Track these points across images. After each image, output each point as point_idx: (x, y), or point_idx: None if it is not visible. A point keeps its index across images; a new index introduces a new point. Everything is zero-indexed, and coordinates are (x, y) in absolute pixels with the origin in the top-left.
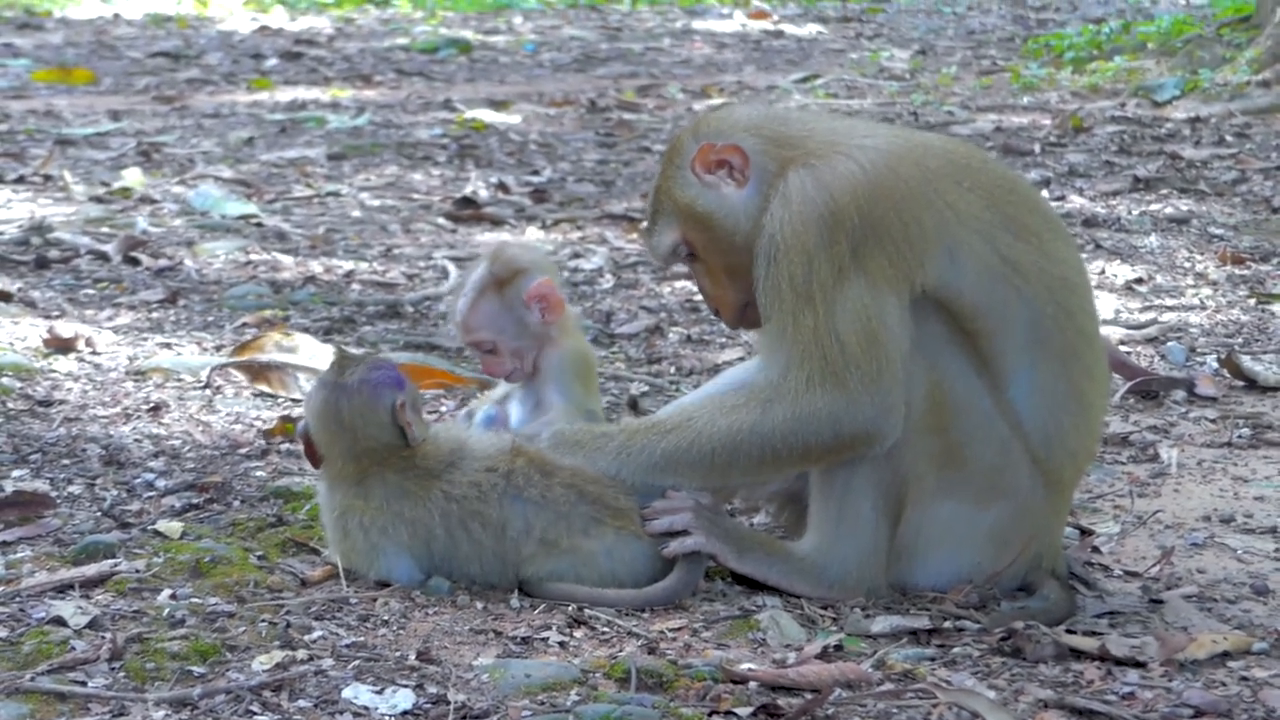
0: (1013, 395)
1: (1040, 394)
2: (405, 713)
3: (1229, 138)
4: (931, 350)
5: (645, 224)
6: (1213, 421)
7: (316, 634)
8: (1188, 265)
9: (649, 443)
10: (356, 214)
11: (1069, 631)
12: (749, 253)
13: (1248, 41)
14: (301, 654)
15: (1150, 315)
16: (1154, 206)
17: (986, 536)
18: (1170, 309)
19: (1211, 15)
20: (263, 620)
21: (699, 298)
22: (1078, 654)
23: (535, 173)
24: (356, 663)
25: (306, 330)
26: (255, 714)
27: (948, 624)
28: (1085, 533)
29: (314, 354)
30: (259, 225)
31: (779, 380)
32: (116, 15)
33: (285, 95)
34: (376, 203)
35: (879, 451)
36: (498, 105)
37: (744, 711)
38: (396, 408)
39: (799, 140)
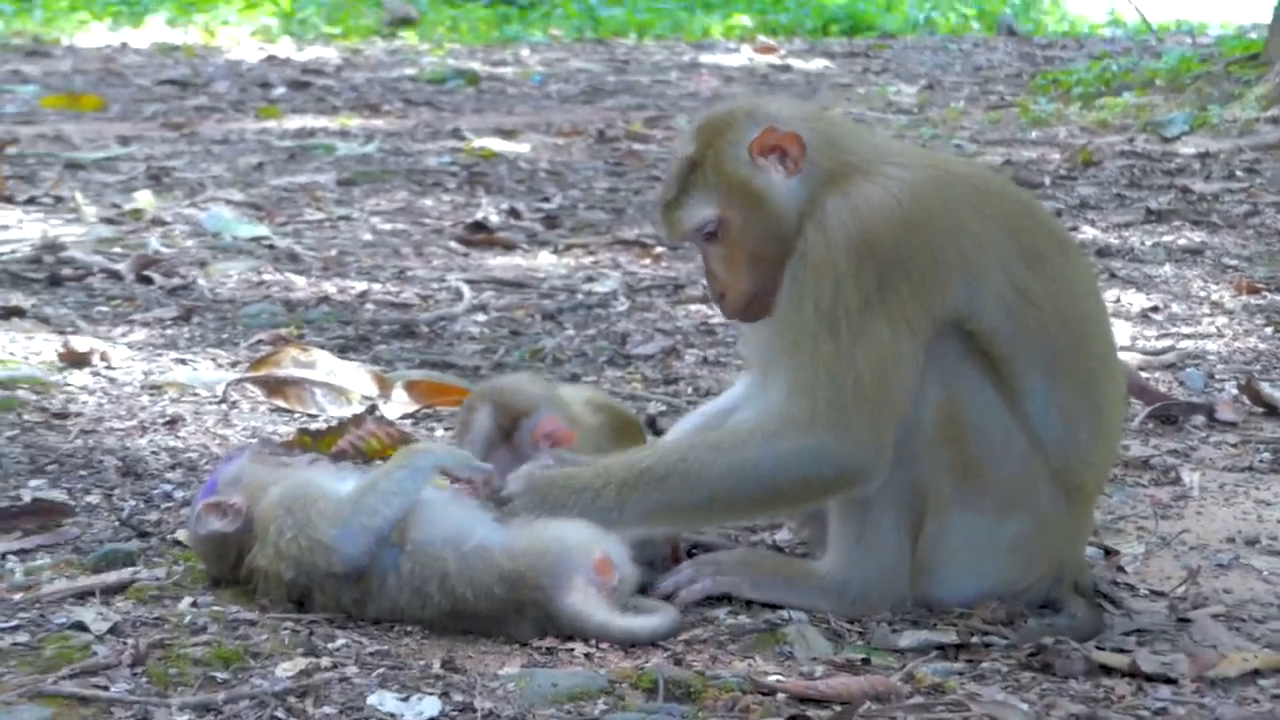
0: (1029, 409)
1: (1057, 409)
2: (431, 719)
3: (1239, 173)
4: (944, 364)
5: (668, 196)
6: (1233, 446)
7: (340, 642)
8: (1203, 294)
9: (642, 495)
10: (368, 237)
11: (1098, 648)
12: (780, 245)
13: (1257, 78)
14: (325, 661)
15: (1167, 343)
16: (1167, 238)
17: (1008, 549)
18: (1187, 336)
19: (1219, 53)
20: (285, 628)
21: (715, 319)
22: (1108, 670)
23: (546, 199)
24: (381, 670)
25: (322, 348)
26: (280, 719)
27: (975, 639)
28: (1109, 552)
29: (331, 369)
30: (271, 247)
31: (783, 408)
32: (124, 44)
33: (293, 123)
34: (388, 227)
35: (867, 492)
36: (506, 134)
37: None
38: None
39: (848, 147)
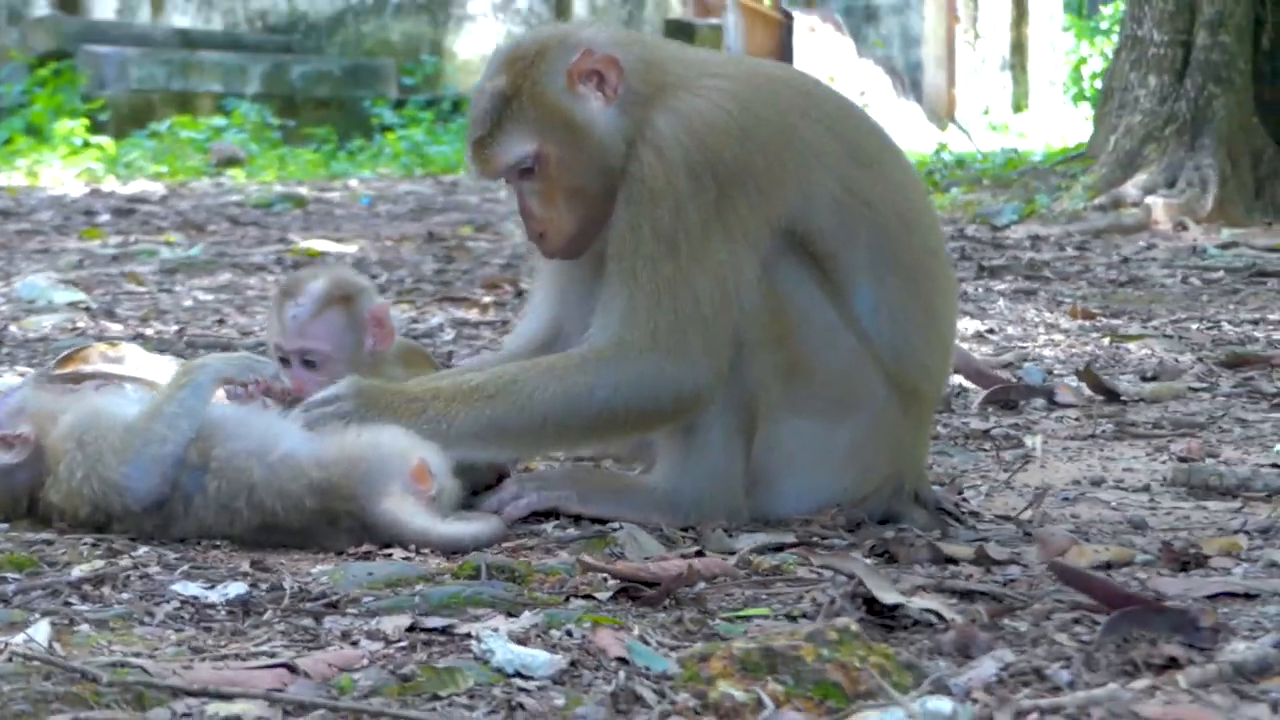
0: (858, 310)
1: (886, 308)
2: (238, 598)
3: (1070, 250)
4: (765, 262)
5: (480, 132)
6: (1075, 420)
7: (143, 550)
8: (1038, 320)
9: (471, 411)
10: (188, 304)
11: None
12: (603, 177)
13: (1082, 171)
14: (126, 561)
15: (1005, 358)
16: (1000, 287)
17: (844, 455)
18: (1023, 347)
19: (1044, 158)
20: (84, 542)
21: None
22: (954, 561)
23: (374, 277)
24: (185, 568)
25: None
26: (74, 604)
27: (815, 539)
28: (951, 481)
29: (141, 363)
30: (88, 309)
31: (619, 333)
32: None
33: (116, 239)
34: (209, 297)
35: (702, 417)
36: (335, 240)
37: (603, 595)
38: None
39: (664, 66)
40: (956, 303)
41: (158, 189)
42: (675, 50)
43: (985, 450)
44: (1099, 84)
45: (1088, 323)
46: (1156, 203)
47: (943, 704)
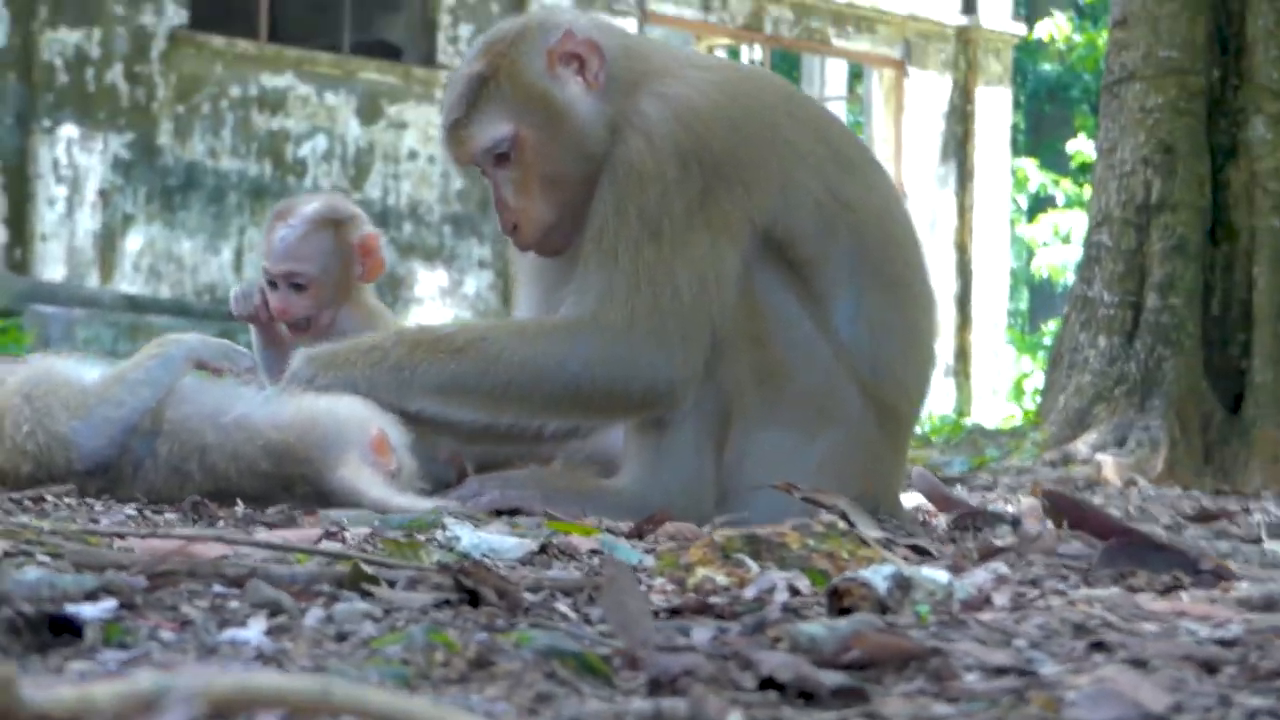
0: (836, 320)
1: (866, 320)
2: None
3: (1022, 496)
4: (745, 262)
5: (455, 114)
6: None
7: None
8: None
9: (434, 363)
10: None
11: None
12: (582, 164)
13: (1032, 428)
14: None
15: None
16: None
17: (816, 468)
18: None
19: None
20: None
21: None
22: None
23: None
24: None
25: None
26: None
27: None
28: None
29: None
30: None
31: (596, 309)
32: None
33: None
34: None
35: (669, 414)
36: None
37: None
38: None
39: (644, 55)
40: (937, 321)
41: None
42: (656, 43)
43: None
44: (1040, 399)
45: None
46: (1107, 460)
47: (938, 573)
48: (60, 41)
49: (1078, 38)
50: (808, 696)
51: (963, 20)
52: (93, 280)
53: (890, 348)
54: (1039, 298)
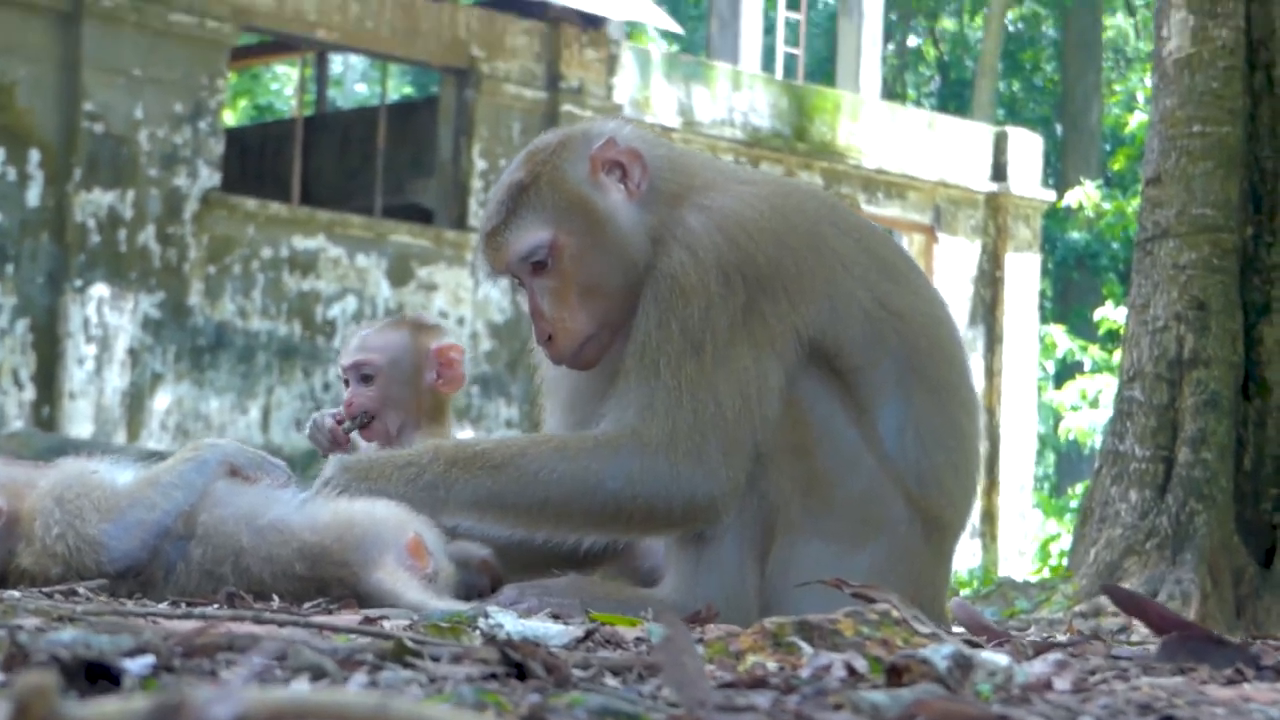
0: (882, 429)
1: (912, 428)
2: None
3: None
4: (789, 373)
5: (494, 222)
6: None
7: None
8: None
9: (472, 480)
10: None
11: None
12: (622, 274)
13: (1062, 581)
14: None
15: None
16: None
17: (863, 580)
18: None
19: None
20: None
21: None
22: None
23: None
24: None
25: None
26: None
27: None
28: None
29: None
30: None
31: (637, 424)
32: None
33: None
34: None
35: (710, 528)
36: None
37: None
38: None
39: (686, 167)
40: (981, 425)
41: None
42: (701, 155)
43: None
44: (1066, 562)
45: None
46: None
47: (999, 656)
48: (94, 203)
49: (1106, 205)
50: None
51: (992, 187)
52: (120, 438)
53: (936, 456)
54: (1065, 462)
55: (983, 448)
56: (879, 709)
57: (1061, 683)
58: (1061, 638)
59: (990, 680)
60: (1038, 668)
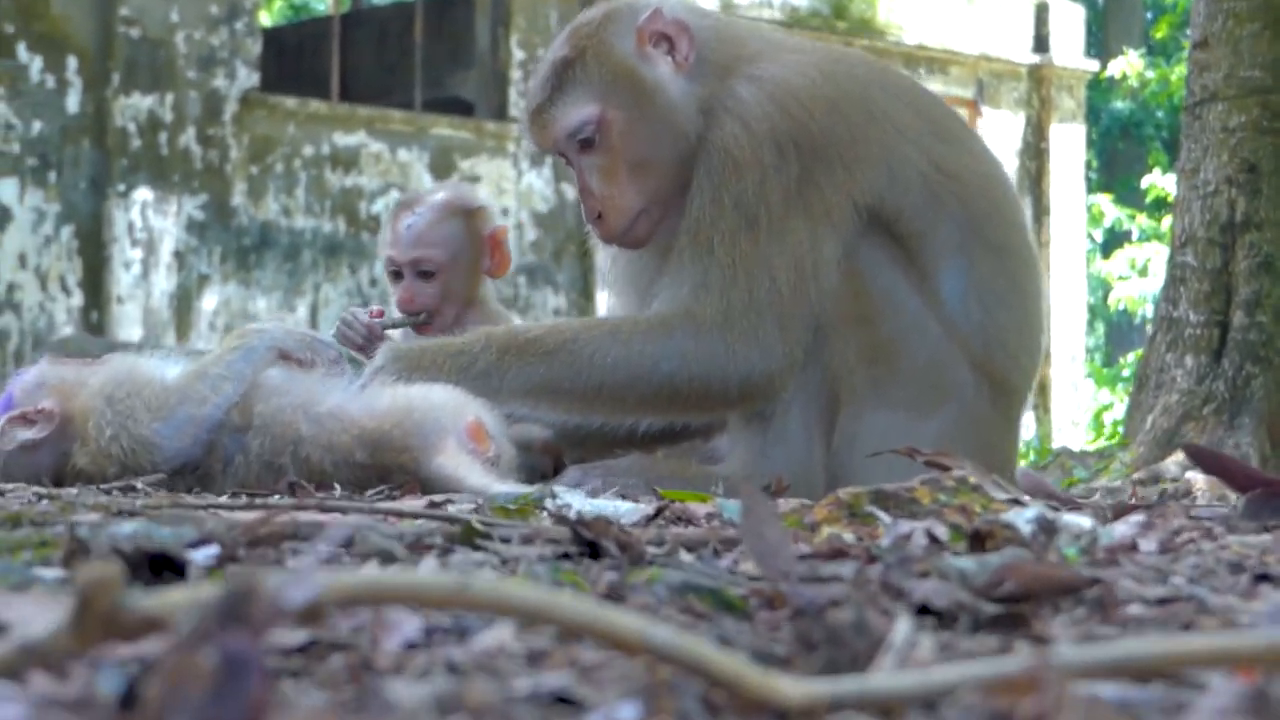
0: (944, 294)
1: (975, 291)
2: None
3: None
4: (847, 243)
5: (539, 98)
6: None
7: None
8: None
9: (525, 366)
10: None
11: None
12: (671, 148)
13: (1120, 449)
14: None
15: None
16: None
17: (931, 447)
18: None
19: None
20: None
21: None
22: None
23: None
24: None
25: None
26: None
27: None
28: None
29: None
30: None
31: (691, 304)
32: None
33: None
34: None
35: (768, 407)
36: None
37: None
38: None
39: (735, 38)
40: (1043, 285)
41: None
42: (750, 25)
43: None
44: (1122, 430)
45: None
46: (1197, 478)
47: (1082, 519)
48: (133, 107)
49: (1150, 74)
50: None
51: (1035, 59)
52: (169, 340)
53: (1000, 319)
54: (1116, 332)
55: (1045, 307)
56: (966, 575)
57: (1147, 544)
58: (1141, 500)
59: (1075, 543)
60: (1121, 530)
